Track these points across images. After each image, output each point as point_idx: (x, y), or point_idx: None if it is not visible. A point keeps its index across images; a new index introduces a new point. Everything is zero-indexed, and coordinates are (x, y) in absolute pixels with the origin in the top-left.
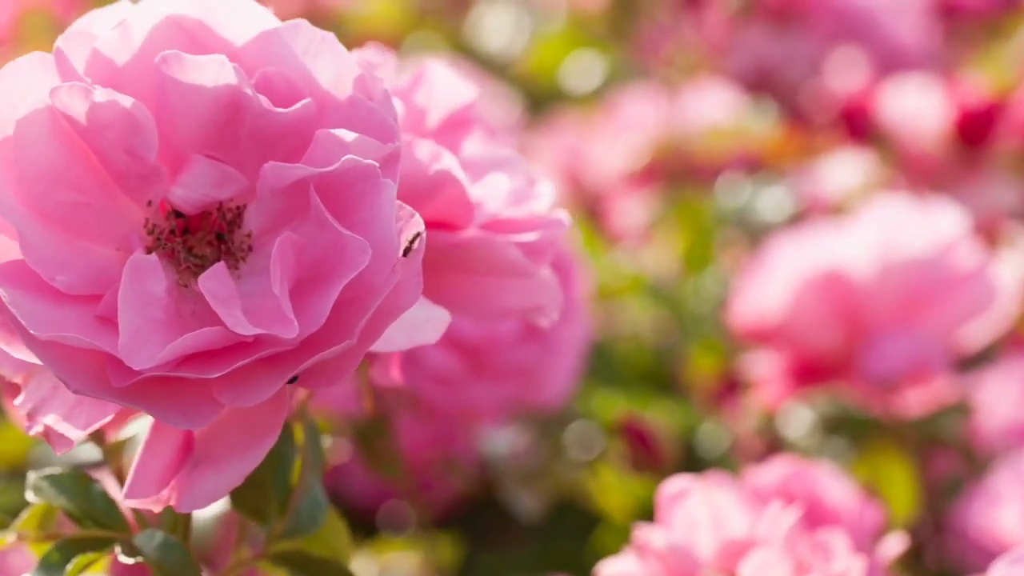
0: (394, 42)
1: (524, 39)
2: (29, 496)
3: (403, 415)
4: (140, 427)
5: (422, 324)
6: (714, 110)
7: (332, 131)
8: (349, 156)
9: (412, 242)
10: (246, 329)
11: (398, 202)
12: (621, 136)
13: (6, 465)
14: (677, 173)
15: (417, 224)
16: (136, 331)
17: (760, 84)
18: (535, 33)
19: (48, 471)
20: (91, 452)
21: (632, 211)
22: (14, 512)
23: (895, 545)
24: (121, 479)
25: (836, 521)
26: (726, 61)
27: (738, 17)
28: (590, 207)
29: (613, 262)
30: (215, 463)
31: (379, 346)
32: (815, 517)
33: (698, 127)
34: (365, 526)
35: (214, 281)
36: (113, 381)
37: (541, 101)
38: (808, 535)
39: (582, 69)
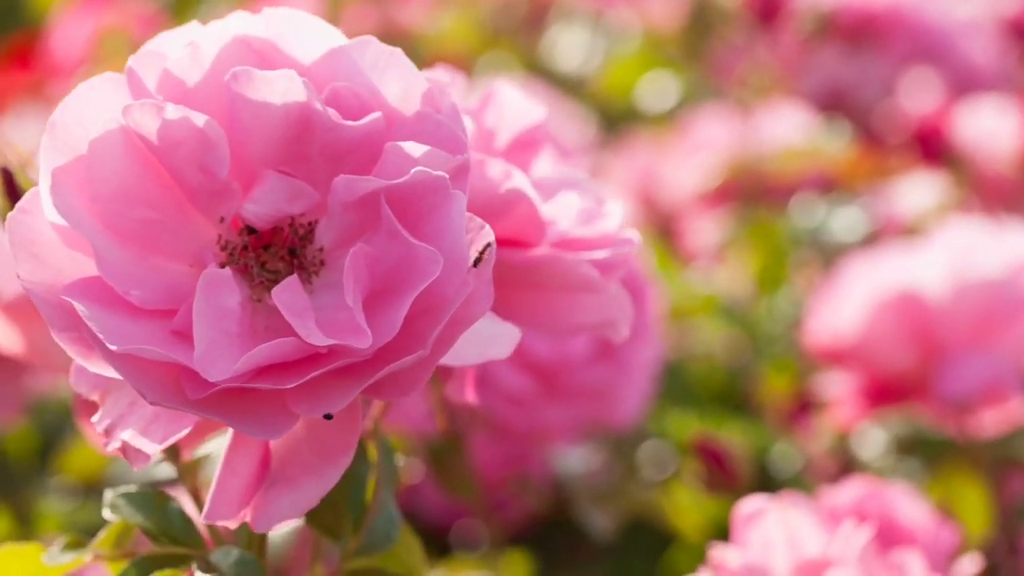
0: (468, 62)
1: (598, 59)
2: (106, 514)
3: (476, 434)
4: (215, 446)
5: (493, 339)
6: (788, 130)
7: (401, 144)
8: (419, 168)
9: (482, 252)
10: (319, 340)
11: (468, 214)
12: (695, 156)
13: (83, 482)
14: (751, 193)
15: (487, 235)
16: (211, 343)
17: (834, 105)
18: (609, 53)
19: (124, 489)
20: (167, 470)
21: (705, 231)
22: (91, 530)
23: (970, 566)
24: (196, 497)
25: (911, 542)
26: (800, 82)
27: (812, 38)
28: (663, 227)
29: (686, 282)
30: (290, 483)
31: (451, 360)
32: (890, 538)
33: (772, 147)
34: (438, 544)
35: (287, 293)
36: (189, 393)
37: (615, 121)
38: (883, 555)
39: (656, 89)
